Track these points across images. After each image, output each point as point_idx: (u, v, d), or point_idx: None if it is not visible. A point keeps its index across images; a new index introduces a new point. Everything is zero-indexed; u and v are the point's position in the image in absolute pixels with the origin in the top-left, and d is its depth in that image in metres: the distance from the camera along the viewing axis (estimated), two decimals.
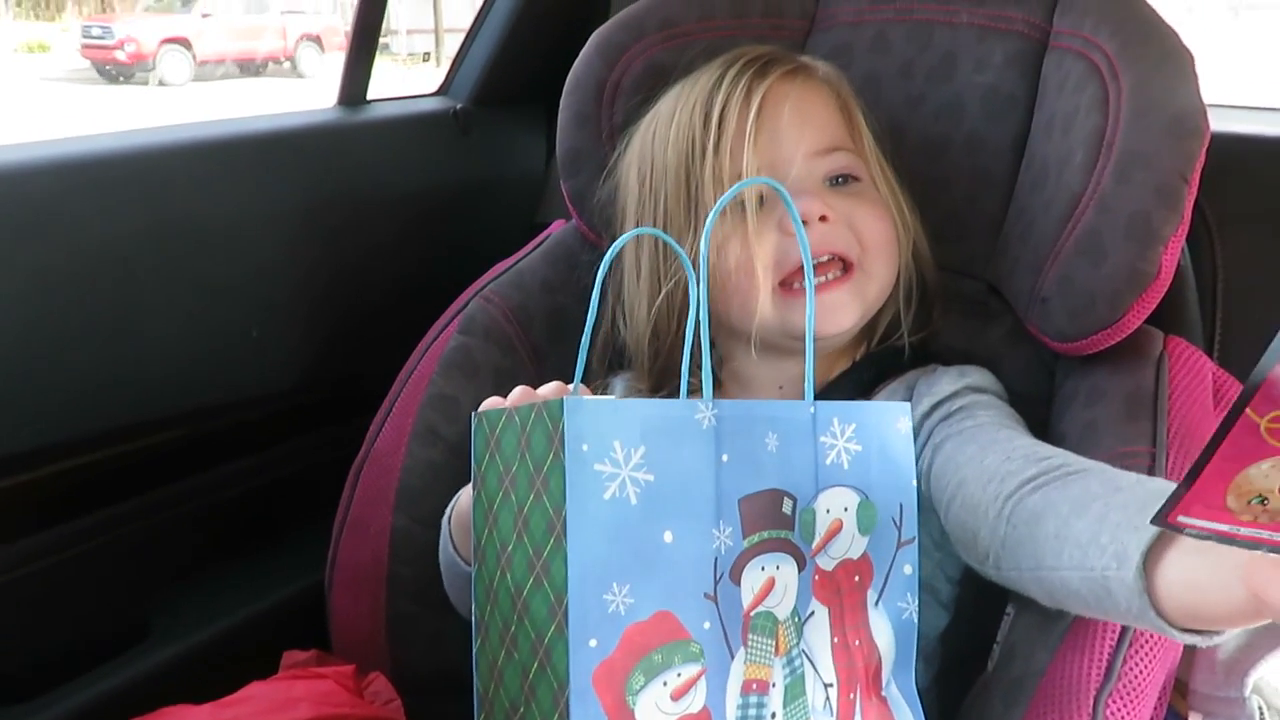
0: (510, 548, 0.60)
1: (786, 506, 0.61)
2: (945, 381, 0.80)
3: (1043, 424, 0.83)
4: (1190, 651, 0.76)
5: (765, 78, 0.81)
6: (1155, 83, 0.75)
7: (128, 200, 0.99)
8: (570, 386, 0.68)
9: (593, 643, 0.55)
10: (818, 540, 0.62)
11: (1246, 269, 0.97)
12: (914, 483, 0.66)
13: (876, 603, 0.65)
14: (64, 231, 0.94)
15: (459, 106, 1.31)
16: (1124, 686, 0.66)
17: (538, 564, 0.57)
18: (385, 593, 0.95)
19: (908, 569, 0.66)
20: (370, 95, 1.27)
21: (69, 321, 0.96)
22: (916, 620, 0.66)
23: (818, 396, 0.65)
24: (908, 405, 0.67)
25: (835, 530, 0.63)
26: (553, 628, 0.56)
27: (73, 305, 0.96)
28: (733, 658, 0.59)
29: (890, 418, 0.66)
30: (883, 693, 0.66)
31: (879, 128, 0.88)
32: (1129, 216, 0.73)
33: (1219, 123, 0.76)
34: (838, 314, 0.80)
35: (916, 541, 0.66)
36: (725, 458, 0.58)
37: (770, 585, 0.60)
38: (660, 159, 0.84)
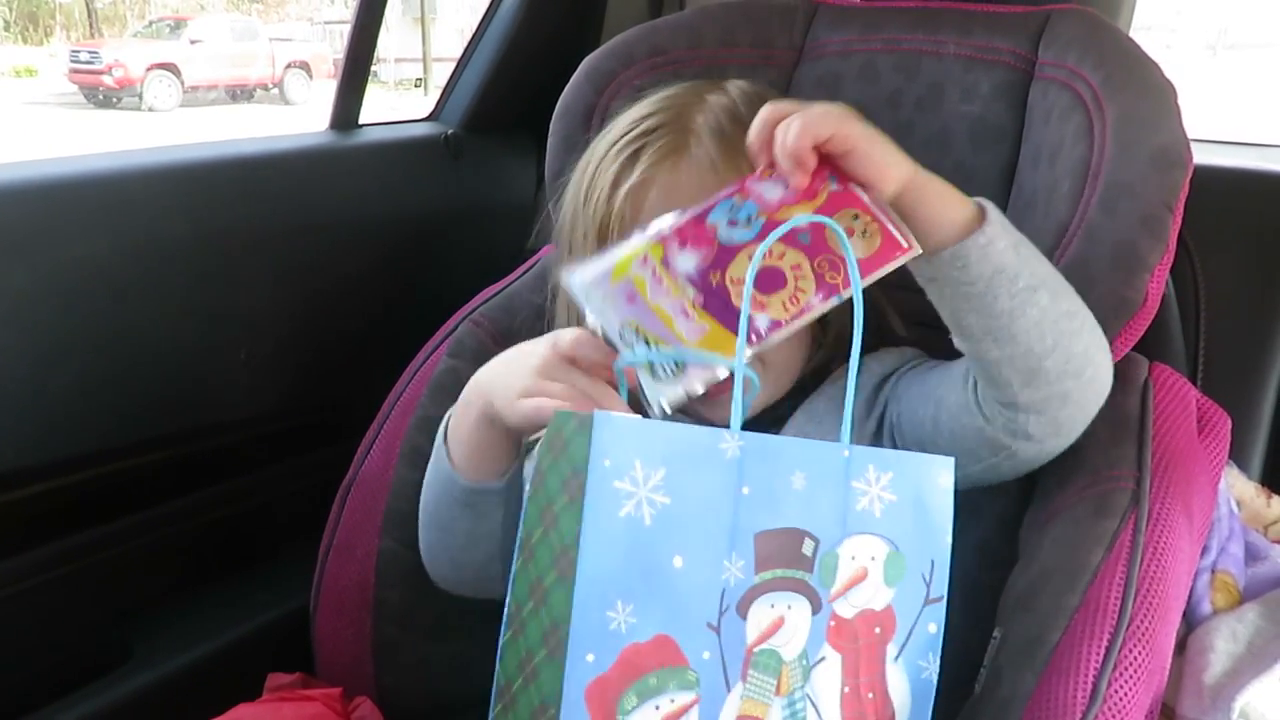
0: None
1: (807, 548, 0.60)
2: (893, 357, 0.84)
3: None
4: (1177, 676, 0.77)
5: (634, 165, 0.80)
6: (1139, 115, 0.77)
7: (117, 221, 0.99)
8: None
9: (590, 657, 0.55)
10: (837, 586, 0.61)
11: (1228, 298, 0.99)
12: (948, 541, 0.65)
13: (897, 658, 0.64)
14: (51, 252, 0.94)
15: (450, 132, 1.32)
16: (1109, 709, 0.66)
17: (535, 590, 0.58)
18: (371, 617, 0.95)
19: (932, 627, 0.64)
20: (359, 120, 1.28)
21: (55, 342, 0.96)
22: (935, 682, 0.65)
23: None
24: (951, 461, 0.65)
25: (859, 578, 0.62)
26: (542, 652, 0.57)
27: (59, 326, 0.96)
28: (729, 691, 0.58)
29: (932, 471, 0.64)
30: None
31: None
32: (1115, 246, 0.75)
33: (1199, 156, 0.78)
34: (728, 411, 0.77)
35: (944, 601, 0.65)
36: (746, 490, 0.58)
37: (779, 624, 0.60)
38: (567, 210, 0.87)
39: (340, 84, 1.22)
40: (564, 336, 0.69)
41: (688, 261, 0.63)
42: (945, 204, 0.68)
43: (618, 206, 0.79)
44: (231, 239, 1.09)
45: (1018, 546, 0.81)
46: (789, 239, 0.63)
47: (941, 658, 0.83)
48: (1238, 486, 0.89)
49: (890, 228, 0.63)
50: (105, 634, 1.04)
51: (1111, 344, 0.76)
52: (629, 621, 0.55)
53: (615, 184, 0.80)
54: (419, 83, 10.90)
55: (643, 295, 0.63)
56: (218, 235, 1.08)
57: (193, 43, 11.34)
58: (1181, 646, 0.79)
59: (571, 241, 0.85)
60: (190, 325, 1.06)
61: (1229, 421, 0.82)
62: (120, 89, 10.71)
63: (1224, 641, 0.78)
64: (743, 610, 0.58)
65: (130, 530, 1.05)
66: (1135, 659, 0.67)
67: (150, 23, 13.17)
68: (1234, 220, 1.05)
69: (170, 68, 10.94)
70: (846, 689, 0.62)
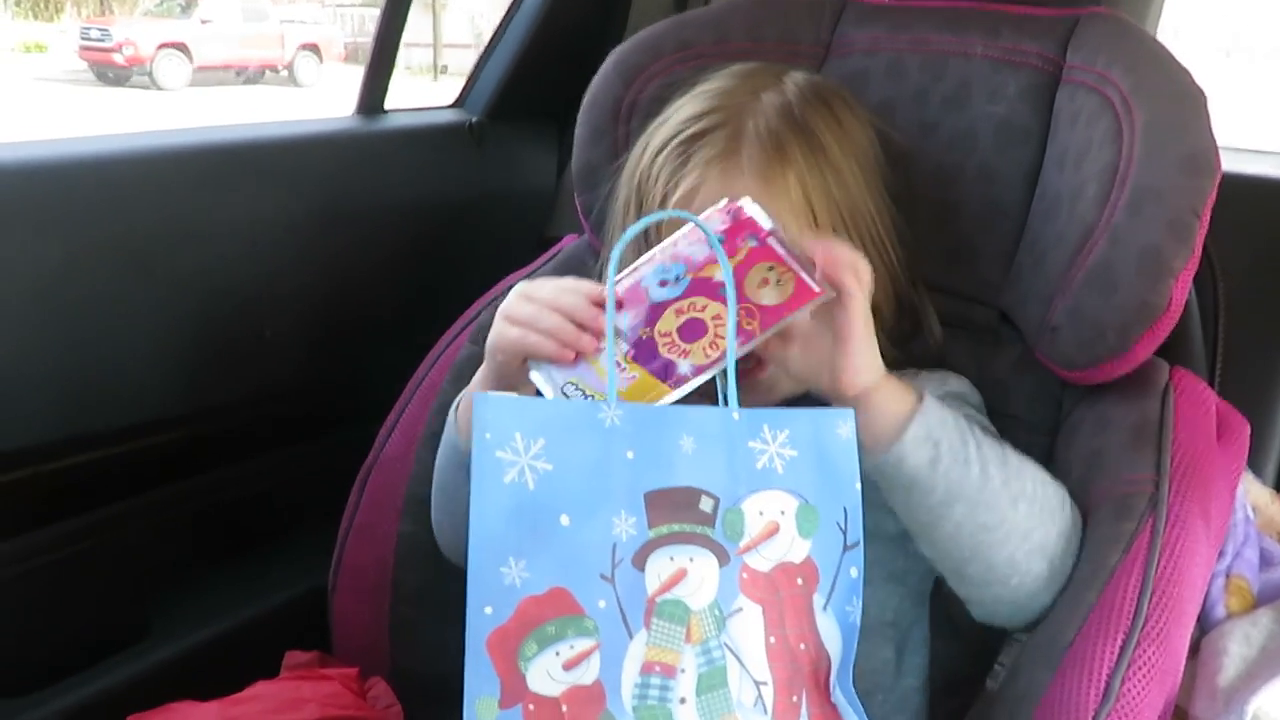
0: None
1: (705, 505, 0.64)
2: (929, 389, 0.81)
3: (1048, 451, 0.84)
4: (1190, 678, 0.78)
5: (687, 167, 0.81)
6: (1169, 121, 0.77)
7: (141, 200, 1.00)
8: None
9: (488, 610, 0.59)
10: (747, 540, 0.64)
11: (1247, 304, 0.99)
12: (857, 486, 0.67)
13: (825, 607, 0.67)
14: (77, 229, 0.96)
15: (474, 120, 1.33)
16: (1122, 708, 0.67)
17: None
18: (389, 599, 0.96)
19: (854, 572, 0.67)
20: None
21: (83, 320, 0.97)
22: (859, 623, 0.68)
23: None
24: (850, 412, 0.68)
25: (771, 531, 0.65)
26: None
27: (87, 304, 0.97)
28: (631, 638, 0.62)
29: (829, 424, 0.67)
30: (831, 698, 0.67)
31: (865, 166, 0.85)
32: (1141, 250, 0.75)
33: (1233, 164, 0.78)
34: (752, 400, 0.76)
35: (861, 545, 0.67)
36: (630, 454, 0.63)
37: (681, 575, 0.63)
38: (621, 196, 0.88)
39: (367, 69, 1.23)
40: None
41: (624, 321, 0.70)
42: (886, 413, 0.70)
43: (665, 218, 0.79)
44: (257, 221, 1.10)
45: None
46: (711, 293, 0.69)
47: (952, 649, 0.85)
48: (1253, 492, 0.90)
49: (802, 275, 0.69)
50: (124, 609, 1.06)
51: (1134, 348, 0.77)
52: (523, 576, 0.60)
53: (667, 186, 0.82)
54: (445, 69, 10.83)
55: (585, 356, 0.69)
56: (244, 217, 1.09)
57: (203, 22, 11.30)
58: (1195, 649, 0.80)
59: (625, 225, 0.86)
60: (215, 305, 1.07)
61: (1248, 427, 0.82)
62: (130, 67, 10.69)
63: (1237, 645, 0.78)
64: (639, 562, 0.62)
65: (150, 507, 1.07)
66: (1149, 659, 0.68)
67: (161, 1, 13.14)
68: (1252, 227, 1.05)
69: (180, 47, 10.91)
70: (773, 639, 0.65)
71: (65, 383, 0.97)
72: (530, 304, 0.71)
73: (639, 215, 0.84)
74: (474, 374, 0.95)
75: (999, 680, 0.76)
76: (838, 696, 0.67)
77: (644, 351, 0.69)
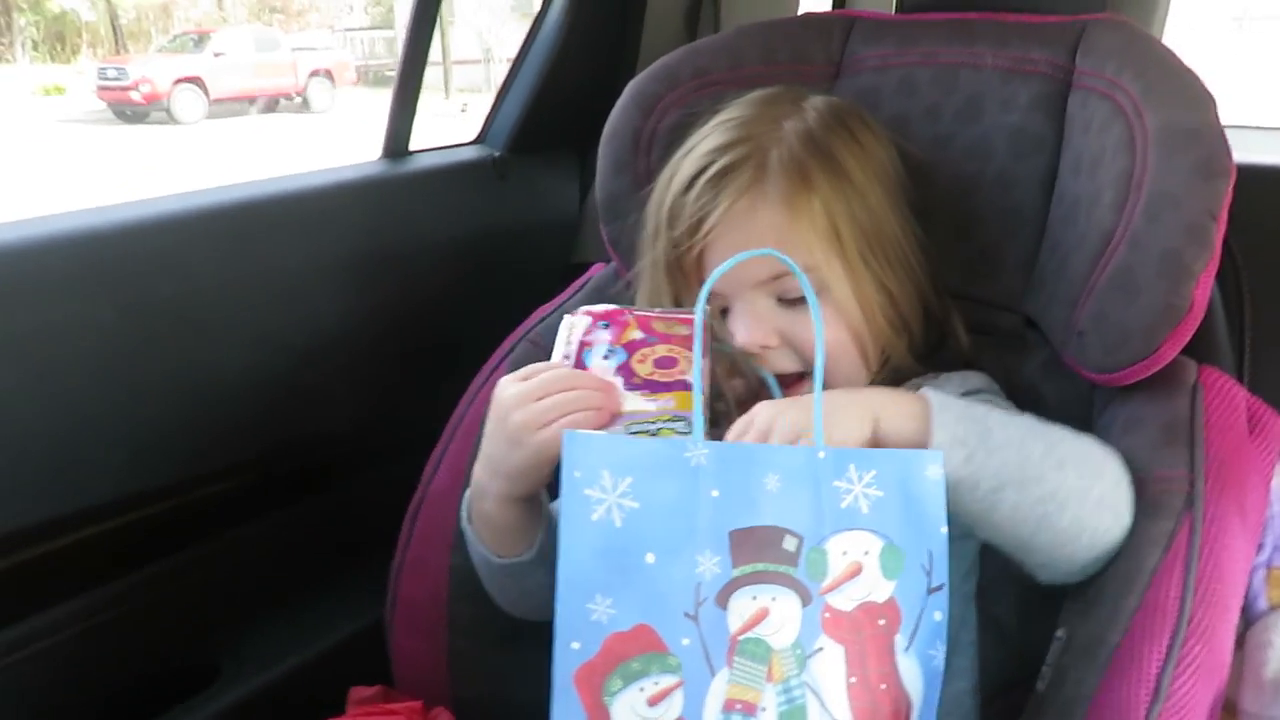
0: None
1: (789, 544, 0.64)
2: (949, 389, 0.82)
3: None
4: (1238, 670, 0.78)
5: (717, 203, 0.83)
6: (1180, 125, 0.78)
7: (185, 260, 1.04)
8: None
9: (575, 645, 0.62)
10: (830, 580, 0.65)
11: (1273, 298, 1.00)
12: (944, 530, 0.66)
13: (907, 649, 0.66)
14: (136, 291, 0.99)
15: (497, 154, 1.36)
16: (1173, 705, 0.68)
17: None
18: (445, 631, 0.98)
19: (937, 615, 0.67)
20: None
21: (140, 377, 1.01)
22: (942, 667, 0.67)
23: None
24: (939, 453, 0.67)
25: (854, 571, 0.65)
26: None
27: (142, 361, 1.00)
28: (714, 675, 0.63)
29: (917, 465, 0.67)
30: None
31: (887, 184, 0.87)
32: (1161, 254, 0.76)
33: (1235, 150, 0.79)
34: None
35: (947, 589, 0.67)
36: (715, 493, 0.64)
37: (763, 614, 0.64)
38: (650, 226, 0.89)
39: (392, 112, 1.26)
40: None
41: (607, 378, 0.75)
42: (903, 437, 0.70)
43: (698, 242, 0.84)
44: (299, 269, 1.13)
45: None
46: (643, 343, 0.76)
47: (998, 652, 0.86)
48: None
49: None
50: (194, 655, 1.09)
51: (1160, 349, 0.78)
52: (609, 612, 0.62)
53: (695, 219, 0.84)
54: (467, 99, 10.79)
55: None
56: (286, 266, 1.12)
57: (216, 55, 11.46)
58: (1240, 642, 0.81)
59: (652, 256, 0.89)
60: (261, 356, 1.10)
61: (1279, 420, 0.83)
62: (148, 104, 10.85)
63: None
64: (722, 601, 0.63)
65: (213, 553, 1.10)
66: (1196, 656, 0.69)
67: (174, 37, 13.32)
68: (1272, 216, 1.05)
69: (196, 81, 11.07)
70: (853, 679, 0.65)
71: (124, 440, 1.00)
72: (537, 402, 0.73)
73: (668, 246, 0.87)
74: None
75: (1046, 681, 0.77)
76: None
77: (651, 386, 0.73)
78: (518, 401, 0.74)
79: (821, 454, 0.65)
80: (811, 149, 0.84)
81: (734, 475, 0.64)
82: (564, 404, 0.72)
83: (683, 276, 0.87)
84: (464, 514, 0.87)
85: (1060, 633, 0.78)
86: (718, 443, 0.65)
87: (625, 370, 0.74)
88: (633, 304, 1.01)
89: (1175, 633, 0.70)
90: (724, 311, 0.85)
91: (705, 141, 0.86)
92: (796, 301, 0.82)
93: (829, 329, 0.81)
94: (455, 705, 0.96)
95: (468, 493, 0.86)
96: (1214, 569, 0.72)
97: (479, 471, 0.81)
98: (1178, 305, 0.76)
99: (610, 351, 0.76)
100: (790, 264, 0.73)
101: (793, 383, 0.82)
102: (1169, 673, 0.69)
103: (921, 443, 0.70)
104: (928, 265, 0.88)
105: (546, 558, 0.80)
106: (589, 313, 0.78)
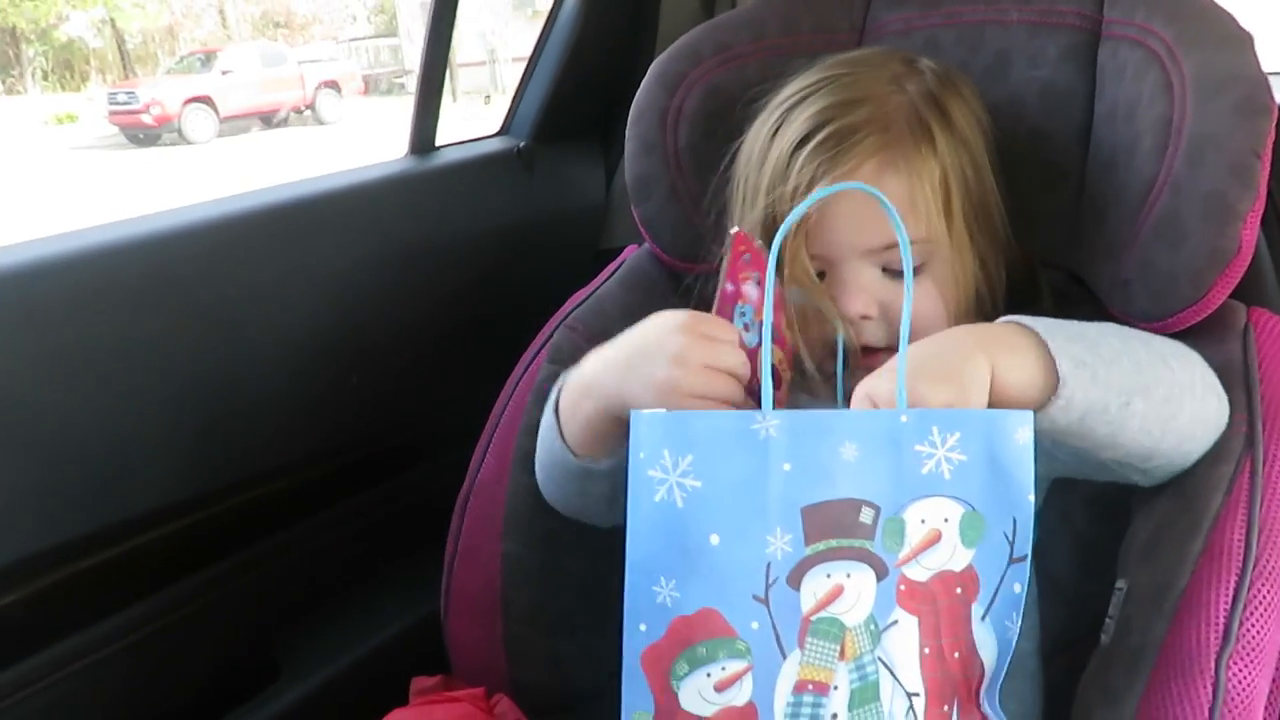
0: None
1: (866, 516, 0.61)
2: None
3: None
4: None
5: (837, 165, 0.77)
6: (1217, 66, 0.77)
7: (234, 263, 1.05)
8: None
9: (642, 627, 0.60)
10: (907, 550, 0.62)
11: None
12: (1030, 497, 0.63)
13: (984, 617, 0.64)
14: (178, 298, 1.00)
15: (521, 145, 1.36)
16: (1243, 648, 0.68)
17: None
18: (500, 618, 0.98)
19: (1017, 587, 0.64)
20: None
21: (184, 384, 1.02)
22: (1015, 639, 0.65)
23: None
24: (1029, 414, 0.63)
25: (932, 540, 0.62)
26: None
27: (191, 366, 1.01)
28: (784, 658, 0.61)
29: (1006, 427, 0.62)
30: (982, 708, 0.65)
31: (989, 149, 0.85)
32: (1205, 197, 0.75)
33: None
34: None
35: (1029, 560, 0.64)
36: (787, 466, 0.60)
37: (837, 592, 0.61)
38: (748, 184, 0.85)
39: (416, 109, 1.26)
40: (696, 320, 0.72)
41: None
42: (1023, 382, 0.66)
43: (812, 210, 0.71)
44: (330, 273, 1.14)
45: (1124, 499, 0.82)
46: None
47: (1056, 610, 0.86)
48: None
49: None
50: (255, 654, 1.10)
51: (1209, 293, 0.77)
52: (673, 595, 0.60)
53: (809, 181, 0.77)
54: (488, 100, 10.77)
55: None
56: (320, 267, 1.13)
57: (224, 73, 11.53)
58: None
59: (745, 216, 0.84)
60: (302, 358, 1.11)
61: None
62: (159, 126, 10.93)
63: None
64: (794, 581, 0.60)
65: (267, 554, 1.11)
66: (1265, 598, 0.69)
67: (181, 58, 13.40)
68: None
69: (205, 100, 11.14)
70: (927, 650, 0.63)
71: (178, 447, 1.02)
72: (696, 374, 0.69)
73: (768, 207, 0.81)
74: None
75: (1110, 634, 0.77)
76: (985, 708, 0.66)
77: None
78: (681, 358, 0.70)
79: (904, 417, 0.61)
80: (936, 113, 0.81)
81: (807, 446, 0.60)
82: (715, 387, 0.69)
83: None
84: (551, 402, 0.84)
85: (1121, 583, 0.78)
86: (790, 411, 0.61)
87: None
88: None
89: (1242, 575, 0.69)
90: (820, 275, 0.81)
91: (815, 98, 0.81)
92: (901, 273, 0.77)
93: (928, 302, 0.80)
94: (514, 690, 0.97)
95: (565, 380, 0.82)
96: (1277, 509, 0.72)
97: (597, 369, 0.77)
98: (1225, 248, 0.76)
99: (748, 321, 0.74)
100: (902, 235, 0.66)
101: (874, 354, 0.80)
102: (1238, 615, 0.68)
103: (1046, 380, 0.65)
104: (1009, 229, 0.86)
105: (618, 474, 0.78)
106: (753, 251, 0.74)
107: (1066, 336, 0.67)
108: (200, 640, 1.07)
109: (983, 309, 0.84)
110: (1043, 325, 0.68)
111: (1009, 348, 0.66)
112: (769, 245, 0.75)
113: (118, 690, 1.02)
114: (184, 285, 1.01)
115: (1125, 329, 0.74)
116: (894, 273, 0.79)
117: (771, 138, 0.82)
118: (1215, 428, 0.74)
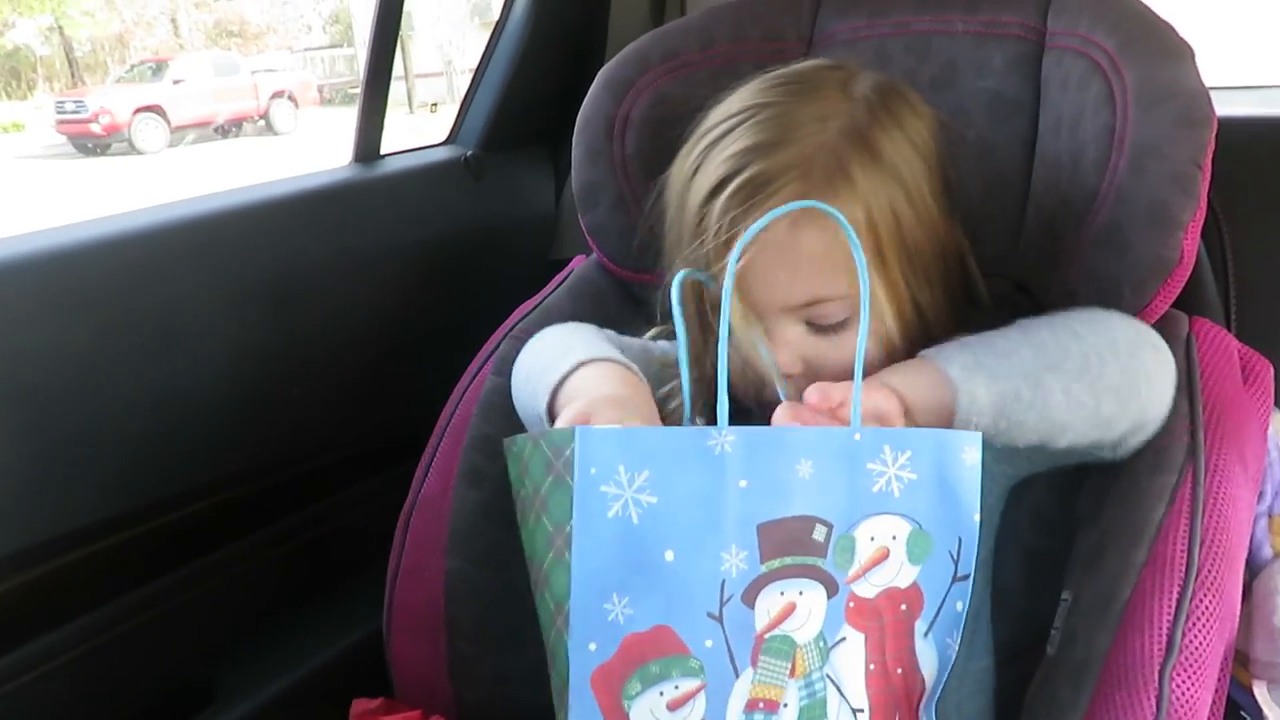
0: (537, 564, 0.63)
1: (819, 533, 0.61)
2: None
3: None
4: (1246, 622, 0.78)
5: (750, 218, 0.70)
6: (1159, 76, 0.78)
7: (169, 271, 1.02)
8: None
9: (592, 646, 0.59)
10: (856, 567, 0.62)
11: (1255, 250, 1.00)
12: (976, 517, 0.64)
13: (926, 634, 0.65)
14: (110, 308, 0.97)
15: (469, 154, 1.34)
16: (1186, 659, 0.68)
17: (539, 576, 0.62)
18: (445, 636, 0.96)
19: (959, 605, 0.65)
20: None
21: (122, 393, 0.98)
22: (954, 656, 0.66)
23: None
24: (978, 435, 0.65)
25: (880, 558, 0.63)
26: (553, 632, 0.61)
27: (124, 378, 0.98)
28: (738, 676, 0.60)
29: (954, 446, 0.64)
30: None
31: (931, 175, 0.78)
32: (1148, 206, 0.76)
33: (1220, 107, 0.79)
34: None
35: (972, 578, 0.65)
36: (743, 483, 0.60)
37: (790, 609, 0.61)
38: (673, 222, 0.81)
39: (360, 116, 1.24)
40: None
41: None
42: (923, 397, 0.68)
43: (734, 257, 0.66)
44: (274, 278, 1.11)
45: (1070, 512, 0.82)
46: None
47: (1006, 621, 0.85)
48: None
49: None
50: (189, 676, 1.07)
51: (1151, 302, 0.78)
52: (626, 613, 0.59)
53: (729, 236, 0.72)
54: (434, 108, 10.69)
55: None
56: (261, 276, 1.10)
57: (176, 83, 11.36)
58: (1248, 592, 0.81)
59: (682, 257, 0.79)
60: (243, 366, 1.08)
61: (1271, 369, 0.83)
62: (108, 135, 10.74)
63: None
64: (749, 599, 0.60)
65: (204, 571, 1.08)
66: (1207, 608, 0.69)
67: (131, 67, 13.18)
68: (1256, 169, 1.06)
69: (156, 109, 10.97)
70: (871, 666, 0.63)
71: (112, 460, 0.98)
72: None
73: (696, 254, 0.76)
74: (502, 406, 0.96)
75: (1056, 645, 0.77)
76: None
77: None
78: None
79: (858, 435, 0.62)
80: (863, 158, 0.74)
81: (763, 462, 0.60)
82: None
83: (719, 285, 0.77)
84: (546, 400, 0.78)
85: (1066, 594, 0.78)
86: (746, 428, 0.60)
87: None
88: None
89: (1184, 585, 0.70)
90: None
91: (737, 134, 0.75)
92: (827, 329, 0.75)
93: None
94: (460, 711, 0.95)
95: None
96: (1219, 520, 0.72)
97: (593, 407, 0.69)
98: (1167, 257, 0.76)
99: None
100: (862, 270, 0.64)
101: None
102: (1180, 626, 0.68)
103: (940, 392, 0.67)
104: (959, 250, 0.82)
105: None
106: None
107: (958, 345, 0.70)
108: (133, 662, 1.03)
109: (926, 338, 0.78)
110: (932, 350, 0.71)
111: (900, 370, 0.70)
112: (697, 287, 0.76)
113: (47, 714, 0.98)
114: (114, 295, 0.98)
115: (1035, 320, 0.74)
116: (819, 328, 0.75)
117: (691, 179, 0.77)
118: (1160, 378, 0.73)
